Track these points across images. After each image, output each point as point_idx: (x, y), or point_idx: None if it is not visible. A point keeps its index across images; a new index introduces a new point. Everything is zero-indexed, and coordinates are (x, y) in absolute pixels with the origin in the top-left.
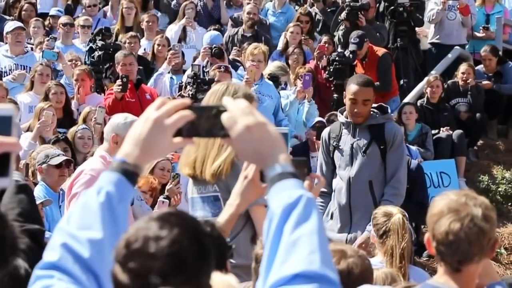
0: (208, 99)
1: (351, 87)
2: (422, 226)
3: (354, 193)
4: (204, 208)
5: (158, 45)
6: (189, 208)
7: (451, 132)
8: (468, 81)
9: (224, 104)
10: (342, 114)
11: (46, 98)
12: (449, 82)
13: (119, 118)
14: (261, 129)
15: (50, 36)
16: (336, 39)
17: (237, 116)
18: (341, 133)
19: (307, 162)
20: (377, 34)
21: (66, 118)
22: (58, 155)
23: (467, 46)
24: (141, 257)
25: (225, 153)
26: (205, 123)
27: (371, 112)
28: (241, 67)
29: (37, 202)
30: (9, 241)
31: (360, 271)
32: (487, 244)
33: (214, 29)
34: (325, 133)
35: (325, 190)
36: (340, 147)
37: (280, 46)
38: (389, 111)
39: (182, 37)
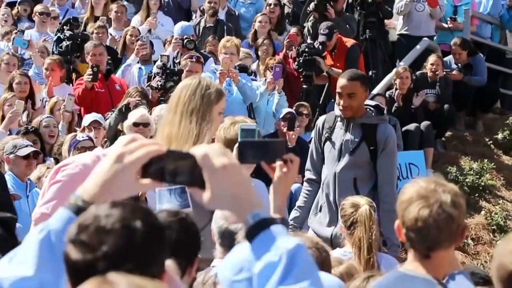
0: (180, 93)
1: (339, 81)
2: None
3: (340, 189)
4: (171, 200)
5: (131, 35)
6: (156, 201)
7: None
8: (437, 73)
9: (195, 152)
10: (338, 107)
11: (10, 87)
12: (418, 73)
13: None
14: (236, 170)
15: (19, 29)
16: (305, 30)
17: (212, 156)
18: (335, 126)
19: (286, 143)
20: (347, 25)
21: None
22: (26, 146)
23: (435, 38)
24: (92, 230)
25: (198, 143)
26: (172, 166)
27: (367, 110)
28: (211, 59)
29: None
30: None
31: (317, 263)
32: (456, 230)
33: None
34: (320, 121)
35: (313, 177)
36: (332, 140)
37: (249, 36)
38: (385, 112)
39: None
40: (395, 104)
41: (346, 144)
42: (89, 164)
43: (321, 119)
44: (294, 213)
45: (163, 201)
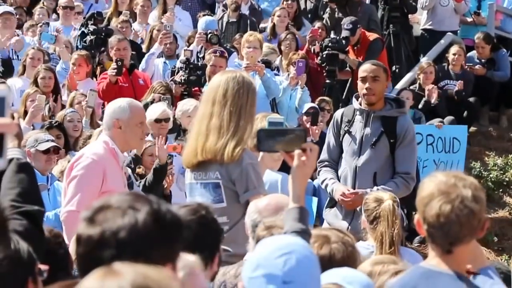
0: (226, 86)
1: (362, 67)
2: (413, 212)
3: (359, 183)
4: (204, 194)
5: (158, 30)
6: (187, 194)
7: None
8: (459, 62)
9: None
10: (357, 100)
11: (35, 82)
12: (439, 65)
13: (117, 103)
14: None
15: (44, 22)
16: (324, 21)
17: None
18: (354, 119)
19: (305, 132)
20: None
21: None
22: (47, 141)
23: (458, 32)
24: (99, 209)
25: (237, 137)
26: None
27: (386, 103)
28: (234, 53)
29: None
30: None
31: (342, 257)
32: (477, 224)
33: (206, 15)
34: (338, 114)
35: (332, 165)
36: (352, 133)
37: (267, 30)
38: (405, 105)
39: None
40: (423, 99)
41: (366, 137)
42: (101, 152)
43: (339, 112)
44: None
45: (195, 194)
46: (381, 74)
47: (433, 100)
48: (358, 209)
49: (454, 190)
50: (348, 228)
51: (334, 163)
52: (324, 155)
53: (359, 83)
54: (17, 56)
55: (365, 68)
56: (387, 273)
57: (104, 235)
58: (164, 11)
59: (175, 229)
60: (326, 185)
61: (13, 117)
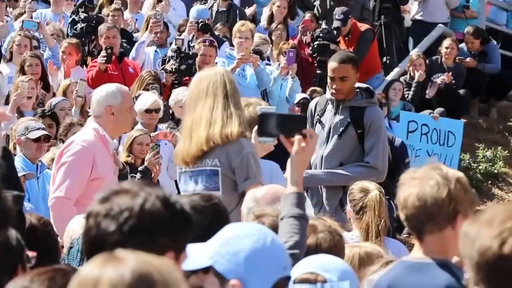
0: (210, 80)
1: (330, 64)
2: None
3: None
4: (199, 181)
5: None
6: (179, 181)
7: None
8: (452, 56)
9: None
10: (329, 90)
11: (22, 69)
12: (431, 58)
13: (105, 89)
14: None
15: (29, 8)
16: (315, 10)
17: None
18: (326, 109)
19: (305, 118)
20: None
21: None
22: (38, 129)
23: (448, 25)
24: (121, 193)
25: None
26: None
27: (357, 92)
28: (226, 43)
29: (20, 175)
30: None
31: (329, 246)
32: (438, 212)
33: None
34: (312, 104)
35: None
36: (322, 122)
37: (264, 19)
38: (375, 95)
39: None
40: (412, 88)
41: (334, 127)
42: (91, 139)
43: (313, 101)
44: None
45: (188, 181)
46: (349, 72)
47: (432, 93)
48: (324, 198)
49: (422, 177)
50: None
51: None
52: None
53: (329, 80)
54: (1, 41)
55: (333, 68)
56: (377, 263)
57: (111, 212)
58: (159, 0)
59: (183, 219)
60: None
61: None
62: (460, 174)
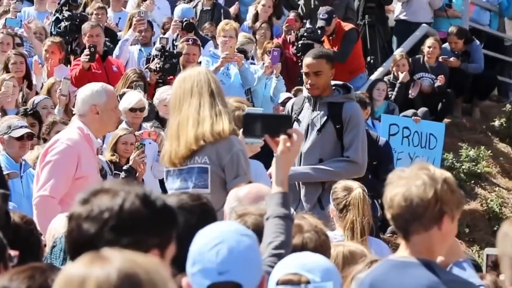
0: (194, 80)
1: (304, 60)
2: None
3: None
4: (187, 179)
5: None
6: (166, 180)
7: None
8: (434, 55)
9: None
10: (306, 88)
11: (6, 67)
12: (414, 57)
13: (90, 88)
14: None
15: (13, 7)
16: (299, 9)
17: None
18: (303, 107)
19: (291, 118)
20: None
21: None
22: (21, 127)
23: (431, 24)
24: (101, 193)
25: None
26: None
27: (334, 89)
28: (210, 42)
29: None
30: None
31: (315, 246)
32: (423, 212)
33: (184, 2)
34: (289, 104)
35: None
36: (300, 120)
37: (249, 18)
38: (352, 91)
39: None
40: (396, 88)
41: (313, 123)
42: (76, 138)
43: (290, 101)
44: None
45: (175, 179)
46: (323, 67)
47: (415, 93)
48: (302, 194)
49: (409, 177)
50: (292, 214)
51: None
52: None
53: (304, 76)
54: None
55: (307, 63)
56: (362, 262)
57: (91, 214)
58: None
59: (165, 215)
60: None
61: None
62: (448, 175)
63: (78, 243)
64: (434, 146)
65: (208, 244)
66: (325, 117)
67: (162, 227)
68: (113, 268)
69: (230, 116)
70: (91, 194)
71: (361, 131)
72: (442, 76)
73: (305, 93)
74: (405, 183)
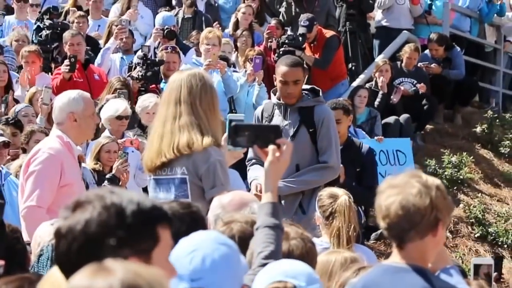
0: (182, 84)
1: (281, 69)
2: (371, 209)
3: (283, 175)
4: (169, 189)
5: (116, 25)
6: (149, 189)
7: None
8: (411, 61)
9: None
10: (275, 95)
11: None
12: (394, 63)
13: (67, 96)
14: None
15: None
16: (280, 16)
17: None
18: (273, 114)
19: (279, 128)
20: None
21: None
22: None
23: (412, 31)
24: (78, 205)
25: (210, 132)
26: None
27: (303, 94)
28: (192, 50)
29: None
30: None
31: (301, 253)
32: (420, 220)
33: (165, 10)
34: (258, 111)
35: (258, 161)
36: None
37: (230, 27)
38: (321, 94)
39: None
40: (379, 94)
41: (286, 130)
42: (57, 146)
43: (259, 109)
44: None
45: (159, 189)
46: (300, 76)
47: (397, 99)
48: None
49: (402, 185)
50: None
51: (261, 160)
52: (250, 153)
53: (280, 85)
54: None
55: (285, 73)
56: (350, 269)
57: (68, 228)
58: (128, 7)
59: (138, 222)
60: (251, 183)
61: None
62: (438, 182)
63: (61, 261)
64: (404, 162)
65: (185, 250)
66: (298, 123)
67: (136, 234)
68: (116, 280)
69: (207, 127)
70: (70, 209)
71: (334, 133)
72: (423, 85)
73: (273, 99)
74: (399, 192)
